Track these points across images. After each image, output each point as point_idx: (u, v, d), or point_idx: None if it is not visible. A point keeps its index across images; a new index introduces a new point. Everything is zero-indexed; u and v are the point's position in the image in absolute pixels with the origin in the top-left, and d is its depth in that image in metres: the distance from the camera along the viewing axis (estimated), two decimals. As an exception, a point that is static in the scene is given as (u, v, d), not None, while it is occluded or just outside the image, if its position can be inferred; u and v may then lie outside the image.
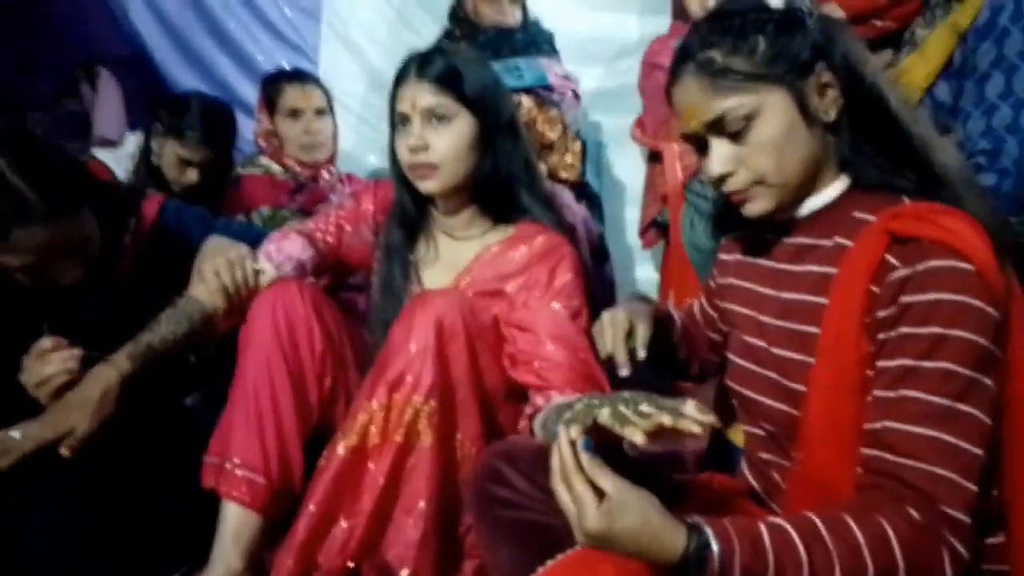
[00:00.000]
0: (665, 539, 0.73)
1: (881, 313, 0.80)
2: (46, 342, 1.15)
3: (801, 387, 0.88)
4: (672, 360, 1.23)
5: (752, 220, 0.95)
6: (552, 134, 2.30)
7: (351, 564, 1.13)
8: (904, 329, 0.78)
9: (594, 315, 1.35)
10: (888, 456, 0.77)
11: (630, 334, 1.07)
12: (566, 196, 2.07)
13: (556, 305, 1.26)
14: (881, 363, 0.80)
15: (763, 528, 0.75)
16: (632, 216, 2.48)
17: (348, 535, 1.13)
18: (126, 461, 1.25)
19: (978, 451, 0.76)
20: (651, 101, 2.29)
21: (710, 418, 0.78)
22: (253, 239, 1.40)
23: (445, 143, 1.27)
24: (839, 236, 0.89)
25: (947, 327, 0.76)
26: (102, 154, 2.18)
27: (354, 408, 1.17)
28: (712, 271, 1.16)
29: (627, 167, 2.61)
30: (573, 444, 0.78)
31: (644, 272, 2.63)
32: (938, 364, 0.76)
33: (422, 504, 1.14)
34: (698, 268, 2.09)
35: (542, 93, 2.30)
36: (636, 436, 0.77)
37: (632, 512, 0.74)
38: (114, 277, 1.34)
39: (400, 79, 1.31)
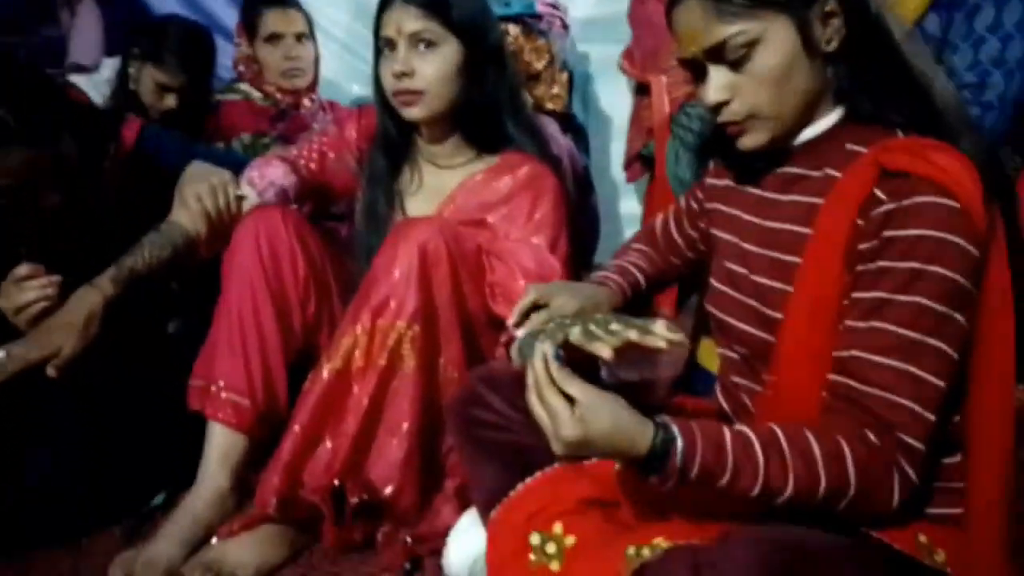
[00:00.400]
0: (635, 435, 0.76)
1: (863, 245, 0.81)
2: (23, 268, 1.15)
3: (778, 315, 0.89)
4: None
5: (745, 151, 0.94)
6: (539, 64, 2.27)
7: (336, 482, 1.15)
8: (883, 262, 0.79)
9: (579, 247, 1.36)
10: (852, 383, 0.79)
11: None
12: (551, 128, 2.05)
13: (535, 239, 1.28)
14: (856, 294, 0.81)
15: (727, 432, 0.78)
16: (618, 149, 2.46)
17: (333, 455, 1.16)
18: (111, 385, 1.26)
19: (940, 383, 0.78)
20: (640, 31, 2.24)
21: (678, 336, 0.80)
22: (235, 165, 1.39)
23: (431, 69, 1.26)
24: (829, 168, 0.88)
25: (925, 263, 0.77)
26: (78, 79, 2.13)
27: (339, 333, 1.19)
28: (695, 191, 1.15)
29: (614, 99, 2.57)
30: (546, 360, 0.80)
31: (628, 205, 2.63)
32: (912, 298, 0.77)
33: (405, 425, 1.17)
34: (682, 202, 2.09)
35: (529, 22, 2.26)
36: (604, 351, 0.80)
37: (603, 414, 0.76)
38: (94, 202, 1.33)
39: (385, 3, 1.28)
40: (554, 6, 2.31)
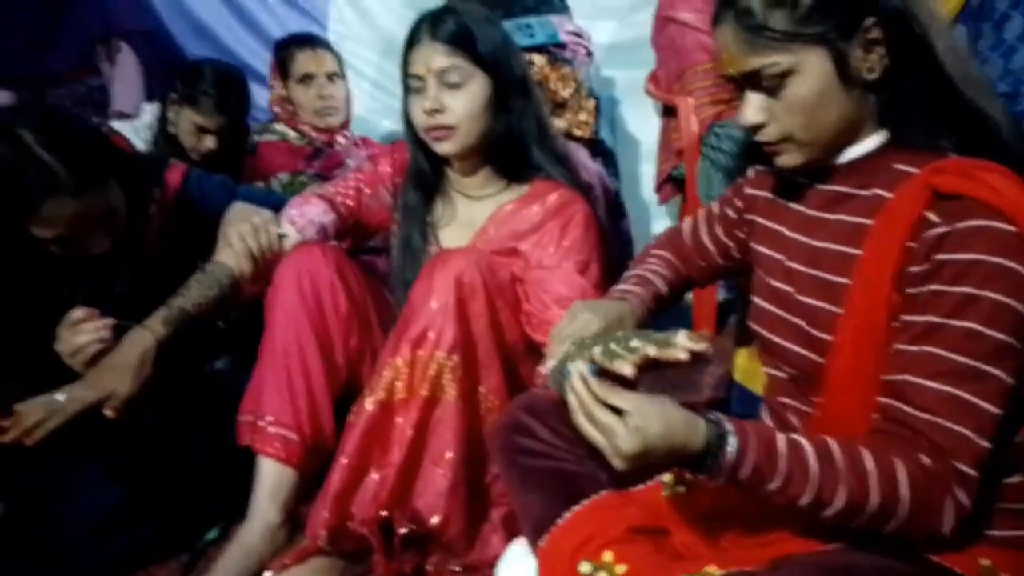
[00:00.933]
0: (689, 432, 0.77)
1: (913, 268, 0.79)
2: (78, 312, 1.19)
3: (827, 336, 0.88)
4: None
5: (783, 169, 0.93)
6: (565, 92, 2.29)
7: (383, 513, 1.17)
8: (934, 286, 0.78)
9: (611, 272, 1.36)
10: (905, 407, 0.78)
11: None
12: (580, 154, 2.07)
13: (566, 264, 1.29)
14: (907, 317, 0.80)
15: (780, 436, 0.78)
16: (648, 171, 2.47)
17: (379, 486, 1.17)
18: (164, 423, 1.30)
19: (995, 410, 0.76)
20: (664, 55, 2.25)
21: (701, 344, 0.80)
22: (275, 205, 1.42)
23: (461, 105, 1.28)
24: (877, 187, 0.87)
25: (979, 288, 0.75)
26: (121, 126, 2.20)
27: (380, 365, 1.20)
28: (732, 199, 1.13)
29: (642, 122, 2.58)
30: (584, 379, 0.80)
31: (661, 227, 2.61)
32: (965, 324, 0.76)
33: (449, 455, 1.17)
34: (715, 222, 2.08)
35: (554, 51, 2.28)
36: (626, 368, 0.80)
37: (655, 417, 0.76)
38: (142, 246, 1.37)
39: (412, 41, 1.31)
40: (578, 34, 2.33)
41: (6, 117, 1.20)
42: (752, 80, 0.87)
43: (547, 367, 1.04)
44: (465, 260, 1.20)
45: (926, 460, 0.75)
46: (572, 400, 0.82)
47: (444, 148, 1.32)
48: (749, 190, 1.09)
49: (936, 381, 0.76)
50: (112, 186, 1.24)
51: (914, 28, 0.83)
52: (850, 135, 0.89)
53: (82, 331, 1.17)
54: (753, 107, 0.88)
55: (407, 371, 1.17)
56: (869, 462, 0.76)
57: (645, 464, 0.78)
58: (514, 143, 1.35)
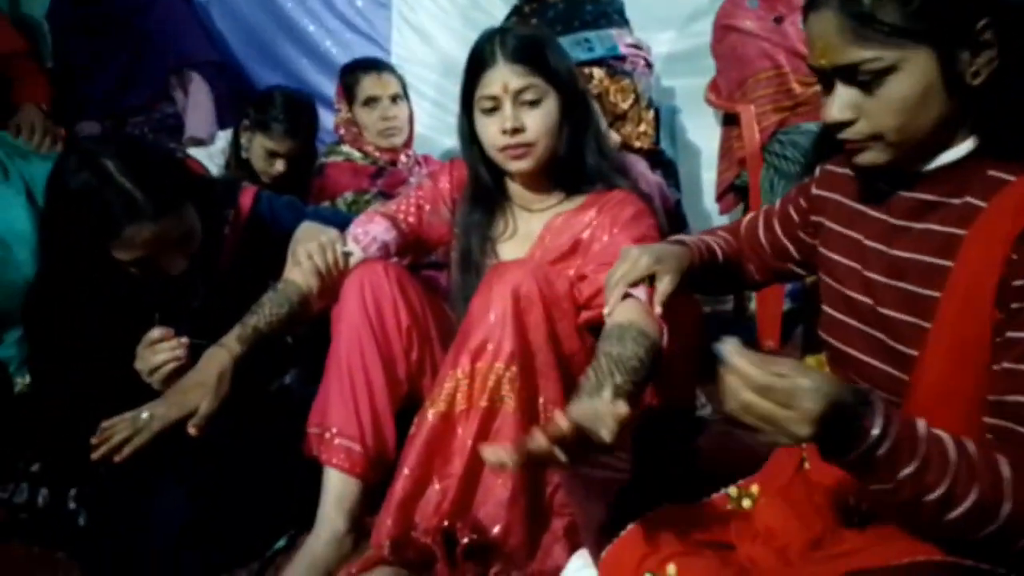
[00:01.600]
0: (844, 392, 0.71)
1: (1017, 282, 0.75)
2: (155, 332, 1.23)
3: (911, 351, 0.84)
4: (713, 286, 1.22)
5: (863, 169, 0.89)
6: (624, 104, 2.28)
7: (446, 523, 1.17)
8: None
9: None
10: (1019, 428, 0.74)
11: (651, 280, 1.01)
12: (640, 166, 2.06)
13: (620, 237, 1.28)
14: (1011, 334, 0.75)
15: (920, 421, 0.74)
16: (709, 179, 2.44)
17: (442, 496, 1.18)
18: (237, 437, 1.34)
19: None
20: (724, 63, 2.24)
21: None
22: (340, 223, 1.46)
23: (538, 123, 1.30)
24: (970, 196, 0.81)
25: None
26: (196, 152, 2.31)
27: (440, 377, 1.22)
28: (797, 198, 1.09)
29: (702, 130, 2.56)
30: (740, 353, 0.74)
31: (724, 238, 2.59)
32: None
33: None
34: (780, 230, 2.04)
35: (613, 63, 2.28)
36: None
37: (821, 377, 0.72)
38: (217, 265, 1.43)
39: (483, 61, 1.31)
40: (637, 46, 2.33)
41: (90, 147, 1.26)
42: (846, 74, 0.81)
43: (606, 312, 1.04)
44: (522, 272, 1.20)
45: None
46: (732, 381, 0.73)
47: (521, 165, 1.33)
48: (816, 190, 1.04)
49: None
50: (188, 209, 1.29)
51: None
52: (942, 140, 0.83)
53: (159, 350, 1.22)
54: (843, 102, 0.82)
55: (467, 382, 1.18)
56: (1005, 468, 0.72)
57: (822, 430, 0.71)
58: (576, 156, 1.36)
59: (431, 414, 1.20)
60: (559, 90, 1.31)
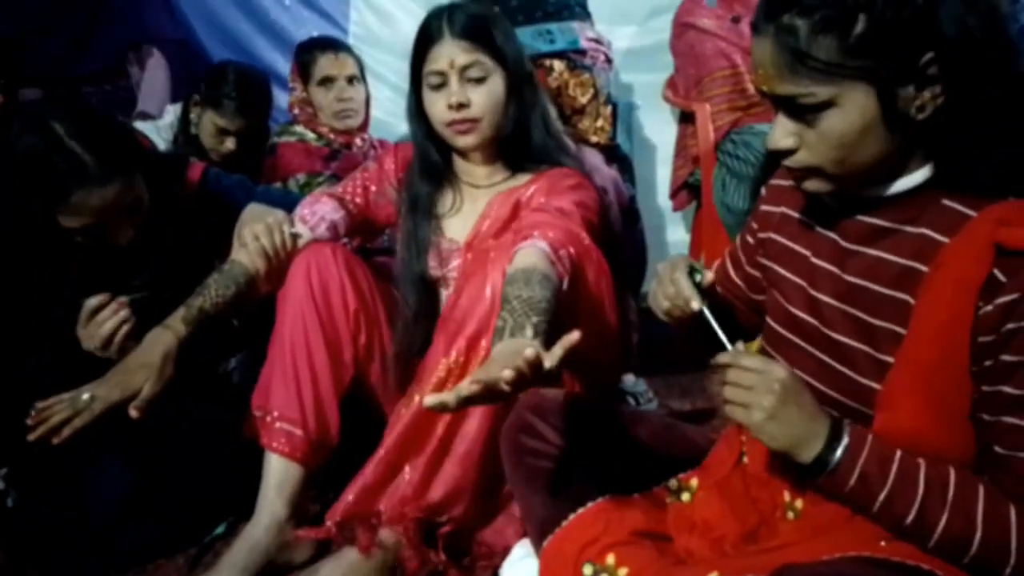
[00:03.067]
0: (819, 416, 0.80)
1: (984, 338, 0.75)
2: (92, 301, 1.20)
3: (867, 381, 0.83)
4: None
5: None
6: (583, 98, 2.29)
7: (410, 511, 1.17)
8: (1008, 357, 0.73)
9: (624, 278, 1.35)
10: (1009, 480, 0.76)
11: (691, 274, 0.98)
12: (596, 159, 2.07)
13: (558, 199, 1.27)
14: (986, 387, 0.76)
15: (898, 453, 0.78)
16: (663, 177, 2.46)
17: (409, 483, 1.18)
18: (176, 419, 1.31)
19: None
20: (682, 61, 2.26)
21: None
22: (290, 205, 1.44)
23: (484, 98, 1.31)
24: (926, 227, 0.80)
25: None
26: (142, 126, 2.24)
27: (430, 362, 1.19)
28: (750, 223, 1.07)
29: (659, 127, 2.58)
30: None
31: (675, 234, 2.62)
32: None
33: (465, 448, 1.17)
34: (730, 229, 2.07)
35: (574, 57, 2.28)
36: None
37: (796, 380, 0.80)
38: (164, 241, 1.39)
39: (430, 37, 1.32)
40: (598, 41, 2.33)
41: (37, 109, 1.22)
42: (785, 104, 0.80)
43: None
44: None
45: None
46: (724, 357, 0.83)
47: (467, 141, 1.34)
48: (764, 207, 1.03)
49: None
50: (137, 178, 1.27)
51: (978, 62, 0.74)
52: (888, 173, 0.82)
53: (102, 320, 1.19)
54: (784, 130, 0.81)
55: (458, 370, 1.15)
56: (981, 502, 0.74)
57: (780, 422, 0.79)
58: (523, 134, 1.37)
59: (417, 399, 1.17)
60: (505, 68, 1.33)
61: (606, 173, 2.04)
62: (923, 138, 0.79)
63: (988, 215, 0.75)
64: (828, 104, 0.76)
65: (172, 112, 2.31)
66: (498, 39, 1.32)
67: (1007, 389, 0.74)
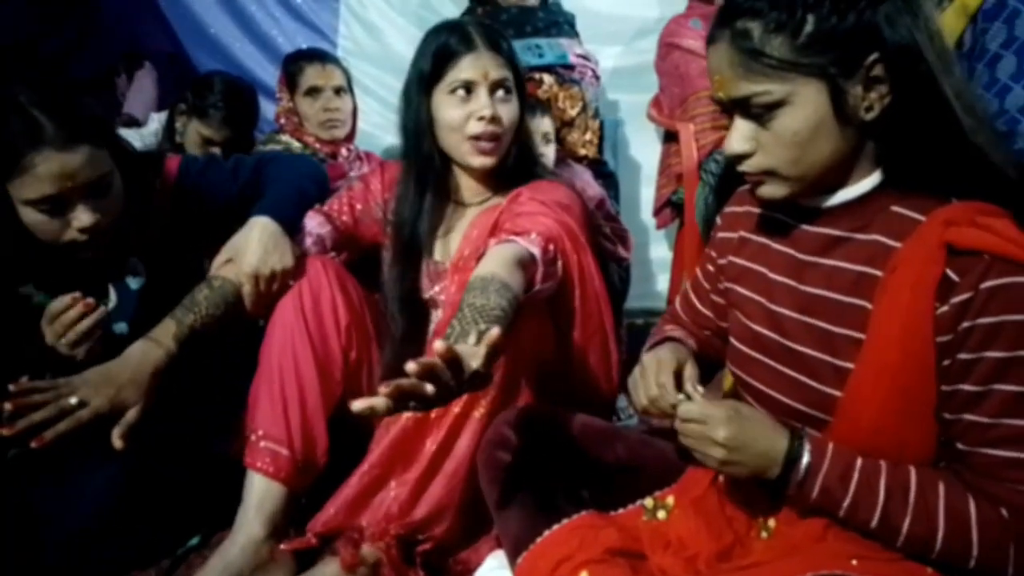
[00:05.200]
0: (776, 438, 0.83)
1: (942, 338, 0.77)
2: (60, 301, 1.15)
3: (829, 390, 0.85)
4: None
5: (765, 202, 0.91)
6: (572, 111, 2.31)
7: (394, 529, 1.16)
8: (965, 355, 0.76)
9: (611, 294, 1.34)
10: (973, 474, 0.78)
11: (678, 374, 0.98)
12: (585, 176, 2.08)
13: (539, 205, 1.23)
14: (946, 387, 0.78)
15: (859, 461, 0.81)
16: (647, 195, 2.48)
17: (393, 500, 1.17)
18: (153, 430, 1.29)
19: None
20: (667, 81, 2.28)
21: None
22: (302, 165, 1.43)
23: (509, 115, 1.31)
24: (877, 233, 0.83)
25: (1015, 349, 0.73)
26: (127, 133, 2.23)
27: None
28: (709, 251, 1.10)
29: (643, 146, 2.61)
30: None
31: (658, 252, 2.64)
32: (1010, 387, 0.74)
33: (454, 467, 1.16)
34: (712, 248, 2.09)
35: (562, 72, 2.31)
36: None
37: (749, 413, 0.86)
38: (148, 238, 1.35)
39: (458, 48, 1.28)
40: (585, 57, 2.36)
41: (5, 81, 1.19)
42: (741, 107, 0.84)
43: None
44: None
45: (1005, 515, 0.75)
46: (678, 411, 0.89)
47: (485, 161, 1.31)
48: (720, 234, 1.06)
49: (995, 448, 0.76)
50: (103, 153, 1.19)
51: (920, 67, 0.78)
52: (840, 175, 0.85)
53: (69, 320, 1.14)
54: (740, 135, 0.85)
55: None
56: (942, 500, 0.77)
57: (738, 456, 0.84)
58: (523, 154, 1.37)
59: (405, 416, 1.16)
60: (520, 90, 1.33)
61: (596, 190, 2.06)
62: (873, 138, 0.83)
63: (936, 217, 0.78)
64: (782, 103, 0.80)
65: (157, 120, 2.31)
66: (516, 60, 1.32)
67: (966, 387, 0.77)
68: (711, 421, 0.85)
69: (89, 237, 1.19)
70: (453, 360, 0.77)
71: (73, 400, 1.09)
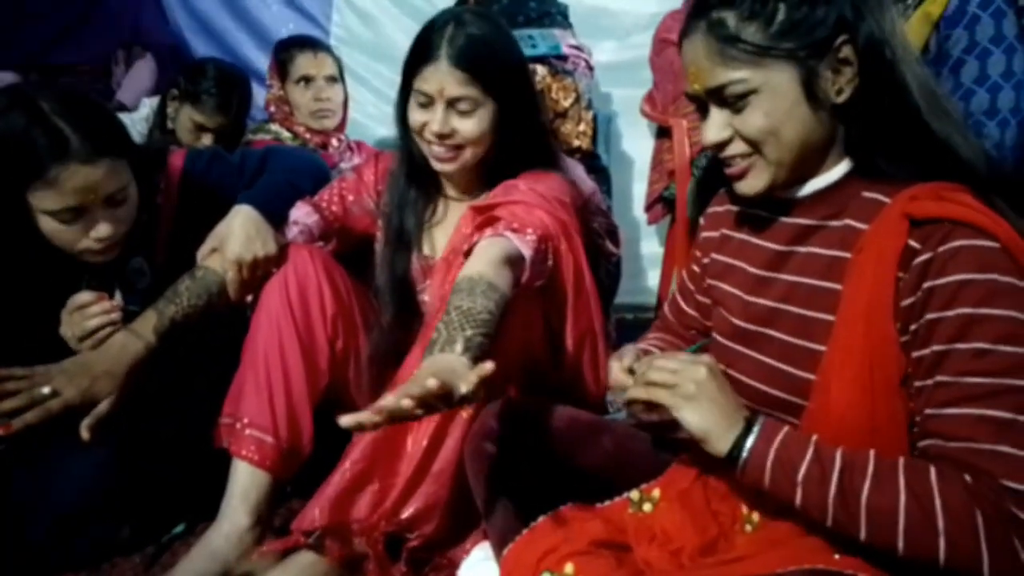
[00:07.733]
0: (733, 413, 0.83)
1: (906, 301, 0.78)
2: (84, 296, 1.17)
3: (805, 374, 0.86)
4: None
5: (745, 198, 0.93)
6: (566, 102, 2.30)
7: (384, 525, 1.15)
8: (930, 315, 0.76)
9: (601, 289, 1.34)
10: (938, 442, 0.76)
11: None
12: (579, 170, 2.08)
13: (533, 189, 1.22)
14: (915, 353, 0.78)
15: (814, 437, 0.80)
16: (639, 190, 2.48)
17: (381, 496, 1.16)
18: (138, 418, 1.28)
19: None
20: (661, 77, 2.28)
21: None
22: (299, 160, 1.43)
23: (468, 129, 1.28)
24: (849, 218, 0.86)
25: (976, 307, 0.74)
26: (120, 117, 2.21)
27: (406, 372, 1.16)
28: (694, 252, 1.12)
29: (636, 141, 2.61)
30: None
31: (649, 247, 2.65)
32: (971, 345, 0.74)
33: (444, 466, 1.15)
34: (703, 244, 2.10)
35: (555, 62, 2.30)
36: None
37: (719, 382, 0.85)
38: (155, 240, 1.36)
39: (427, 52, 1.27)
40: (579, 48, 2.36)
41: (22, 88, 1.19)
42: (716, 96, 0.86)
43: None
44: None
45: (970, 481, 0.72)
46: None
47: (445, 168, 1.32)
48: (703, 234, 1.08)
49: (958, 407, 0.74)
50: (124, 166, 1.21)
51: (885, 54, 0.82)
52: (815, 160, 0.88)
53: (91, 315, 1.16)
54: (715, 124, 0.87)
55: None
56: (902, 475, 0.74)
57: (706, 400, 0.83)
58: (508, 157, 1.35)
59: None
60: (497, 98, 1.29)
61: (589, 184, 2.05)
62: (844, 123, 0.86)
63: (901, 197, 0.81)
64: (756, 91, 0.83)
65: (148, 105, 2.29)
66: (496, 73, 1.27)
67: (931, 349, 0.77)
68: (697, 362, 0.85)
69: (103, 246, 1.22)
70: (445, 394, 0.79)
71: (46, 390, 1.09)
